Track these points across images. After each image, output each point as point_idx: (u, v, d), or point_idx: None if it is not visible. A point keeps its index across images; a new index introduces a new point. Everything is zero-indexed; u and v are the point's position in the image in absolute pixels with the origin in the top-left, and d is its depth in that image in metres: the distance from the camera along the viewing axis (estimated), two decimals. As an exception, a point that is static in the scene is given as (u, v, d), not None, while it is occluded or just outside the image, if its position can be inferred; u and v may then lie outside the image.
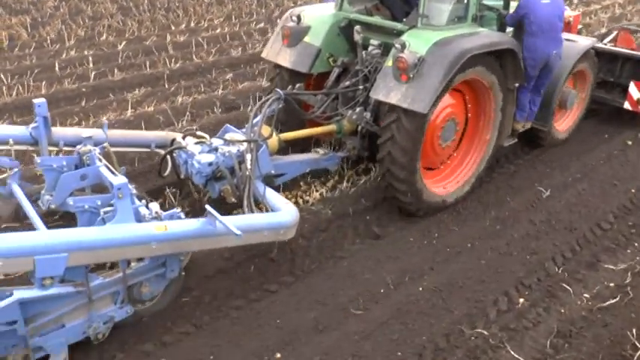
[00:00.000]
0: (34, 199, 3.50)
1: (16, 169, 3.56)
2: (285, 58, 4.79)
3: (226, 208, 4.08)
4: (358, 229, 4.40)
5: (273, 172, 4.20)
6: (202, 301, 3.58)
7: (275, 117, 4.36)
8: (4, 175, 3.59)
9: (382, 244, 4.25)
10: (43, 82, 6.78)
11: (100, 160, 3.48)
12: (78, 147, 3.62)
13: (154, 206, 3.11)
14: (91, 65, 7.50)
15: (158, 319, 3.35)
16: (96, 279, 2.90)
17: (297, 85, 4.68)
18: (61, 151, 3.85)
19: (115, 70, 7.34)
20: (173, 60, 7.82)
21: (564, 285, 3.88)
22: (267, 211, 3.89)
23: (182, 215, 3.18)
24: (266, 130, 4.17)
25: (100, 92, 6.69)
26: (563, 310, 3.65)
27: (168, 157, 4.21)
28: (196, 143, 4.08)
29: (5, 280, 3.40)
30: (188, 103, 6.37)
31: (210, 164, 3.88)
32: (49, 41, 8.57)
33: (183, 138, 4.18)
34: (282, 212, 3.63)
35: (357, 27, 4.65)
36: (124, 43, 8.53)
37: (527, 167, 5.52)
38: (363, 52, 4.72)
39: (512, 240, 4.36)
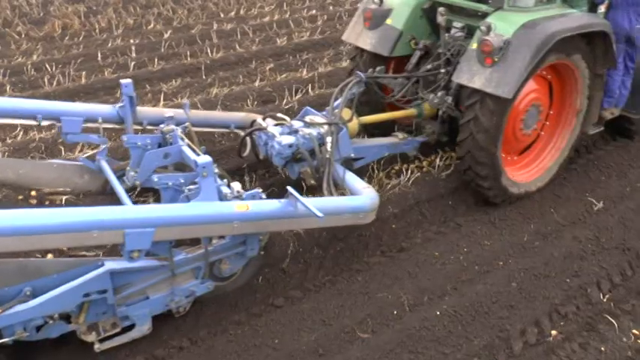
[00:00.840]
0: (119, 175, 3.70)
1: (104, 146, 3.78)
2: (366, 40, 4.79)
3: (304, 190, 4.07)
4: (381, 240, 4.05)
5: (352, 155, 4.22)
6: (204, 312, 3.37)
7: (355, 100, 4.39)
8: (94, 152, 3.89)
9: (404, 258, 3.89)
10: (84, 72, 6.74)
11: (182, 140, 3.64)
12: (161, 126, 3.78)
13: (236, 185, 3.16)
14: (133, 55, 7.45)
15: (156, 329, 3.15)
16: (179, 254, 3.02)
17: (378, 68, 4.66)
18: (145, 129, 4.00)
19: (156, 60, 7.25)
20: (215, 49, 7.65)
21: (608, 317, 3.40)
22: (344, 195, 3.88)
23: (263, 195, 3.21)
24: (346, 113, 4.23)
25: (136, 83, 6.55)
26: (603, 349, 3.18)
27: (248, 137, 4.32)
28: (276, 125, 4.15)
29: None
30: (222, 95, 6.17)
31: (290, 146, 3.92)
32: (97, 30, 8.61)
33: (264, 119, 4.28)
34: (363, 196, 3.61)
35: (441, 9, 4.47)
36: (169, 31, 8.45)
37: (578, 173, 4.95)
38: (446, 35, 4.57)
39: (552, 259, 3.88)
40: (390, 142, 4.62)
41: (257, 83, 6.62)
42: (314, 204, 3.13)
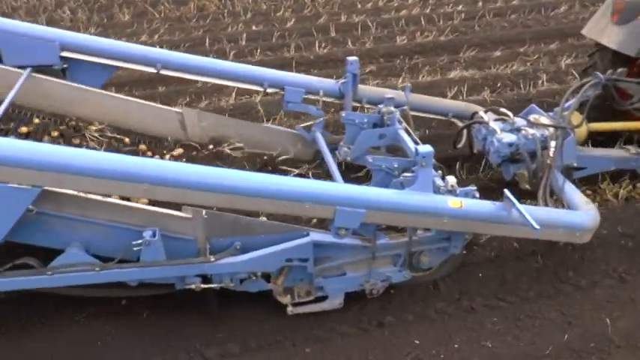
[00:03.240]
0: (331, 149, 3.84)
1: (321, 119, 3.96)
2: (611, 37, 4.23)
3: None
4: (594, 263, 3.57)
5: (574, 164, 3.85)
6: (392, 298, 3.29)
7: (588, 104, 3.97)
8: (310, 123, 4.05)
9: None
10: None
11: (400, 123, 3.66)
12: (379, 106, 3.82)
13: (451, 179, 3.08)
14: (242, 42, 7.43)
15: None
16: (382, 238, 3.02)
17: (619, 70, 4.15)
18: (363, 108, 4.14)
19: (258, 51, 7.10)
20: (324, 44, 7.24)
21: None
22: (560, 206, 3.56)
23: (477, 194, 3.08)
24: (576, 118, 3.88)
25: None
26: None
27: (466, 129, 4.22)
28: (497, 120, 3.95)
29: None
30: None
31: (510, 145, 3.70)
32: (225, 14, 8.72)
33: (485, 112, 4.10)
34: (583, 212, 3.31)
35: None
36: (293, 20, 8.31)
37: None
38: None
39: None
40: (619, 156, 4.11)
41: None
42: (529, 212, 2.89)
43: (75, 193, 2.60)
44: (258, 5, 9.27)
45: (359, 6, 9.11)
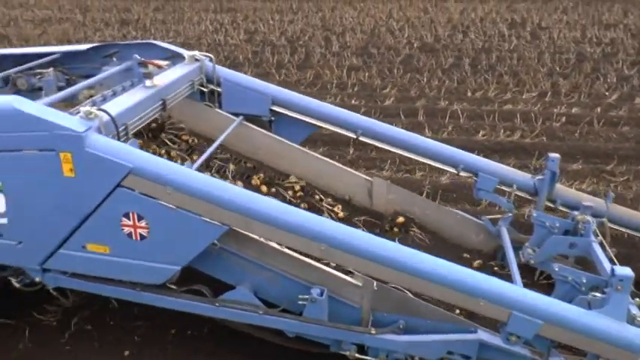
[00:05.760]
0: (515, 247, 3.62)
1: (510, 214, 3.80)
2: None
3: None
4: None
5: None
6: None
7: None
8: (499, 216, 3.86)
9: None
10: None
11: (596, 235, 3.39)
12: (574, 212, 3.56)
13: None
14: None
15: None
16: (556, 356, 2.75)
17: None
18: (556, 210, 3.86)
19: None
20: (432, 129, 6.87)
21: None
22: None
23: None
24: None
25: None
26: None
27: None
28: None
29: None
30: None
31: None
32: (334, 84, 8.88)
33: None
34: None
35: None
36: (392, 98, 7.92)
37: None
38: None
39: None
40: None
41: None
42: None
43: (257, 237, 2.73)
44: (371, 80, 9.37)
45: (469, 94, 8.73)
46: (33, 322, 3.50)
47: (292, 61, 10.52)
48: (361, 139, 3.85)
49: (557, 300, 2.74)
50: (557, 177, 3.71)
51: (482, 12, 16.43)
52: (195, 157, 3.66)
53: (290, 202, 3.68)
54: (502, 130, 7.05)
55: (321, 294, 2.67)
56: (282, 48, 11.61)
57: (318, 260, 2.81)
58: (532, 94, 8.62)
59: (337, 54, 11.16)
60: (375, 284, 2.76)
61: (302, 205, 3.73)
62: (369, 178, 3.94)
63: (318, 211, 3.70)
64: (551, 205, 3.81)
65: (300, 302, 2.70)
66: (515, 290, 2.65)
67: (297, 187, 3.86)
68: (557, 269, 3.20)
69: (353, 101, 8.11)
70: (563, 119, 7.48)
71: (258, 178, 3.81)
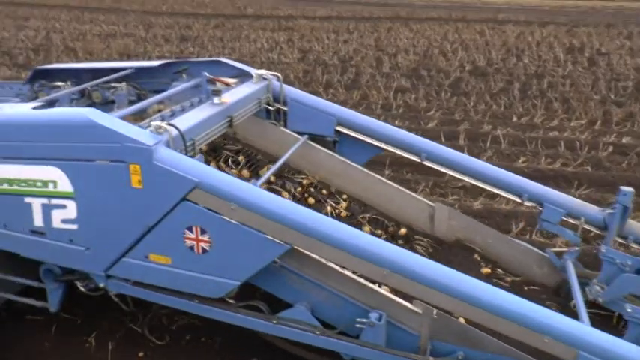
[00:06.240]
0: (581, 283, 3.48)
1: (577, 248, 3.66)
2: None
3: None
4: None
5: None
6: None
7: None
8: (565, 249, 3.73)
9: None
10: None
11: None
12: None
13: None
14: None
15: None
16: None
17: None
18: (627, 246, 3.70)
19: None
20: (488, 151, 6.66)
21: None
22: None
23: None
24: None
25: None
26: None
27: None
28: None
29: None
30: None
31: None
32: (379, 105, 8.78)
33: None
34: None
35: None
36: (436, 121, 7.73)
37: None
38: None
39: None
40: None
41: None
42: None
43: (318, 257, 2.72)
44: (417, 103, 9.26)
45: (514, 119, 8.47)
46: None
47: (341, 80, 10.60)
48: (425, 163, 3.81)
49: (629, 343, 2.61)
50: (629, 212, 3.54)
51: (540, 36, 16.17)
52: (247, 173, 3.70)
53: (294, 197, 3.69)
54: (544, 158, 6.85)
55: (380, 318, 2.63)
56: (333, 67, 11.72)
57: (377, 283, 2.78)
58: (581, 122, 8.36)
59: (387, 75, 11.18)
60: (435, 312, 2.70)
61: (309, 200, 3.73)
62: (432, 204, 3.88)
63: (322, 208, 3.69)
64: (622, 241, 3.62)
65: (357, 325, 2.66)
66: (584, 329, 2.53)
67: (306, 182, 3.84)
68: (629, 310, 3.06)
69: (396, 122, 8.06)
70: (611, 149, 7.17)
71: (267, 168, 3.78)
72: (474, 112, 8.83)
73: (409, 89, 10.12)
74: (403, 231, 3.75)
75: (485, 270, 3.66)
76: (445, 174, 3.95)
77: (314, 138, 3.94)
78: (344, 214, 3.75)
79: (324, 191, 3.86)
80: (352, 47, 14.16)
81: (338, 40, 15.36)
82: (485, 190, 3.86)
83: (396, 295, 2.79)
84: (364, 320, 2.63)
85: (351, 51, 13.67)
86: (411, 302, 2.76)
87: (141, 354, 3.39)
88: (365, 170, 3.93)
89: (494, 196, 3.85)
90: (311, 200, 3.75)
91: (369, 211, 3.82)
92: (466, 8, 24.27)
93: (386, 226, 3.78)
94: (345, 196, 3.87)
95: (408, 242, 3.70)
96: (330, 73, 11.13)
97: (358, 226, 3.61)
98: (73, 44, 14.42)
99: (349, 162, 3.90)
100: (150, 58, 12.57)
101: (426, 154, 3.79)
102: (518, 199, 3.73)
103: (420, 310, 2.71)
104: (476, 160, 3.88)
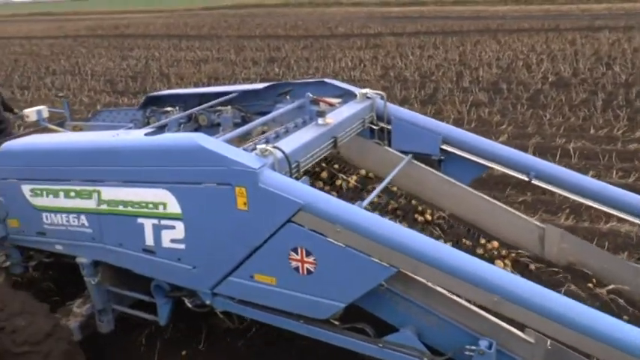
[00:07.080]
0: None
1: None
2: None
3: None
4: None
5: None
6: None
7: None
8: None
9: None
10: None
11: None
12: None
13: None
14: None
15: None
16: None
17: None
18: None
19: None
20: None
21: None
22: None
23: None
24: None
25: None
26: None
27: None
28: None
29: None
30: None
31: None
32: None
33: None
34: None
35: None
36: (507, 135, 7.20)
37: None
38: None
39: None
40: None
41: None
42: None
43: (425, 281, 2.63)
44: (491, 117, 8.95)
45: (592, 131, 7.91)
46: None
47: (418, 96, 10.49)
48: (534, 182, 3.60)
49: None
50: None
51: (638, 43, 15.15)
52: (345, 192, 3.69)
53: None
54: (616, 172, 6.39)
55: (490, 347, 2.50)
56: (412, 83, 11.64)
57: (487, 310, 2.65)
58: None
59: (465, 89, 10.96)
60: (548, 343, 2.53)
61: (322, 175, 3.76)
62: (542, 225, 3.66)
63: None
64: None
65: (467, 352, 2.54)
66: None
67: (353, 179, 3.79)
68: None
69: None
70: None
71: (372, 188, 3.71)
72: (549, 125, 8.47)
73: (485, 103, 9.87)
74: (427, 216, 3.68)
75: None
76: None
77: (418, 157, 3.85)
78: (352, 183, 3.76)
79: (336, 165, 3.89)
80: (435, 62, 13.97)
81: (422, 55, 15.22)
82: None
83: (506, 322, 2.64)
84: (474, 348, 2.51)
85: (433, 66, 13.50)
86: (522, 331, 2.61)
87: (184, 352, 3.82)
88: (471, 189, 3.77)
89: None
90: (324, 174, 3.77)
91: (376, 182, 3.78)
92: (561, 17, 23.34)
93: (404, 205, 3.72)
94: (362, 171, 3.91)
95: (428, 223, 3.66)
96: (408, 89, 11.06)
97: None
98: (168, 70, 15.17)
99: (454, 181, 3.77)
100: (236, 80, 12.99)
101: (535, 173, 3.58)
102: (637, 220, 3.43)
103: (532, 340, 2.55)
104: (592, 179, 3.61)
